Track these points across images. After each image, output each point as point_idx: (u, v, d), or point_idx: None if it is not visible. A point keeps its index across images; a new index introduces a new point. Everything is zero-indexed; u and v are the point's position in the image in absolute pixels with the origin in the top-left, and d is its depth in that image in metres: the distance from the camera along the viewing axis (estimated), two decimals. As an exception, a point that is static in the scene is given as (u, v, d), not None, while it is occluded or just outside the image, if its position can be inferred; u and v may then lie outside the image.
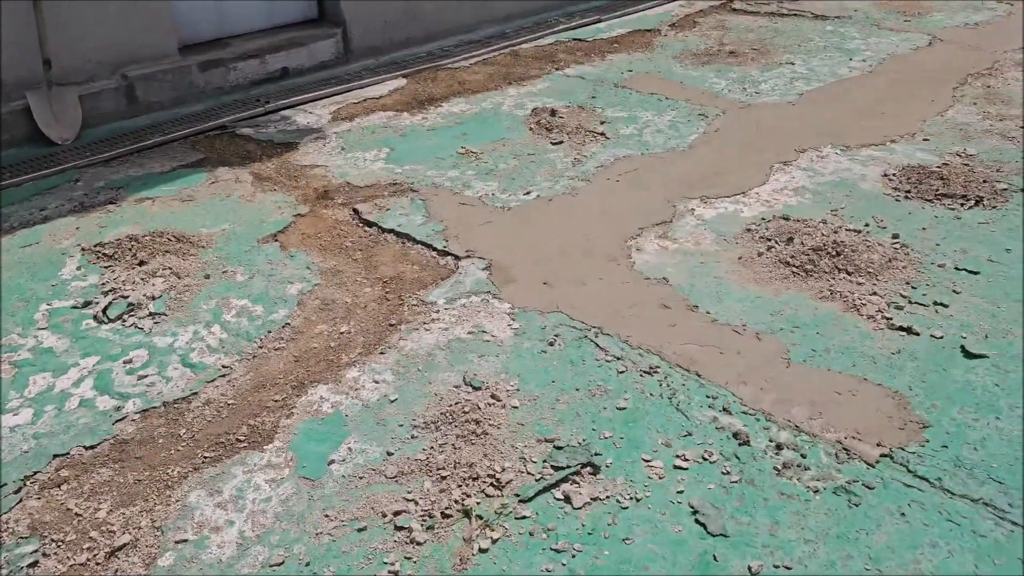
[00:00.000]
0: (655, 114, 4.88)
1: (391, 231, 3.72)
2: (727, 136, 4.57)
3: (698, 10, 6.96)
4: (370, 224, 3.79)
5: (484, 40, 6.32)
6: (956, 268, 3.33)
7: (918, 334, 2.95)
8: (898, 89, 5.15)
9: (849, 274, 3.28)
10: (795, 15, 6.75)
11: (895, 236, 3.55)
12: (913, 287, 3.21)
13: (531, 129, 4.73)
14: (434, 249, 3.57)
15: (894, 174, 4.08)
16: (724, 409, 2.62)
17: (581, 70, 5.65)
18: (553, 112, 4.85)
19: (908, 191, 3.91)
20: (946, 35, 6.13)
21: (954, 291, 3.19)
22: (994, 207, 3.76)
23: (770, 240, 3.53)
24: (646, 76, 5.50)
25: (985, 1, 6.94)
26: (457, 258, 3.50)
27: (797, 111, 4.89)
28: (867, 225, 3.65)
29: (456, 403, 2.66)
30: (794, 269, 3.33)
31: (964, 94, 5.03)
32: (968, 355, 2.84)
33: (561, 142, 4.55)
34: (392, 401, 2.70)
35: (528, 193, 4.02)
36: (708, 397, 2.68)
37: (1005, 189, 3.90)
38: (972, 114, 4.74)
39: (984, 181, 3.97)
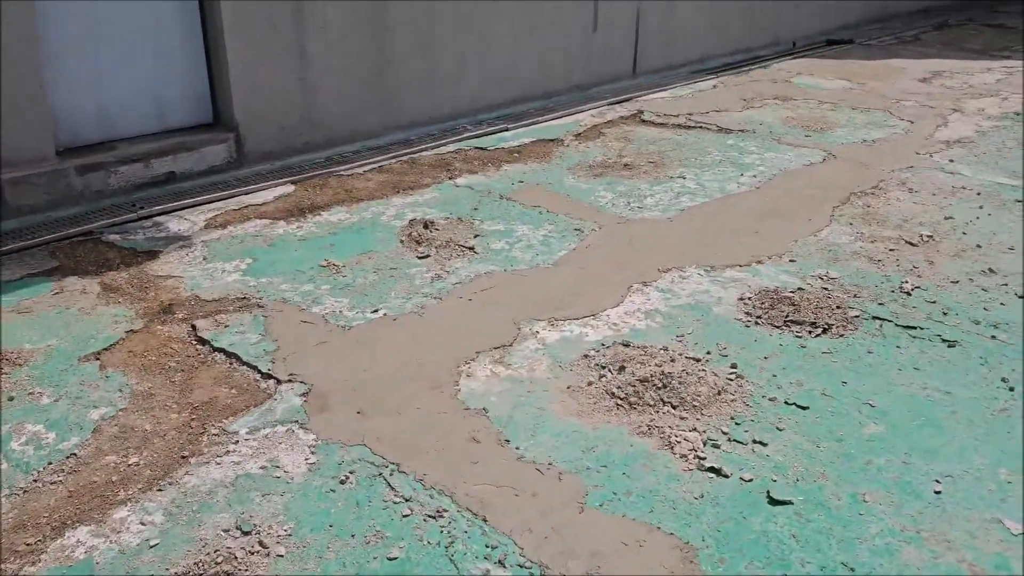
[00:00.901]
0: (531, 228, 4.84)
1: (221, 350, 3.60)
2: (596, 253, 4.53)
3: (607, 120, 7.03)
4: (203, 342, 3.67)
5: (387, 147, 6.33)
6: (786, 402, 3.23)
7: (727, 476, 2.83)
8: (780, 207, 5.16)
9: (674, 407, 3.17)
10: (701, 127, 6.83)
11: (733, 366, 3.46)
12: (737, 423, 3.11)
13: (402, 241, 4.67)
14: (259, 371, 3.44)
15: (750, 298, 4.02)
16: (499, 562, 2.47)
17: (473, 180, 5.64)
18: (427, 224, 4.80)
19: (759, 317, 3.85)
20: (842, 152, 6.20)
21: (778, 428, 3.08)
22: (841, 335, 3.70)
23: (604, 368, 3.43)
24: (535, 188, 5.49)
25: (888, 118, 7.06)
26: (279, 382, 3.37)
27: (674, 228, 4.87)
28: (709, 353, 3.56)
29: (217, 551, 2.50)
30: (619, 401, 3.22)
31: (843, 213, 5.04)
32: (773, 501, 2.71)
33: (428, 256, 4.48)
34: (152, 547, 2.53)
35: (376, 311, 3.93)
36: (488, 547, 2.53)
37: (857, 316, 3.84)
38: (845, 235, 4.73)
39: (837, 307, 3.92)
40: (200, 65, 5.71)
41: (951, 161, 5.98)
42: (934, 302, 3.99)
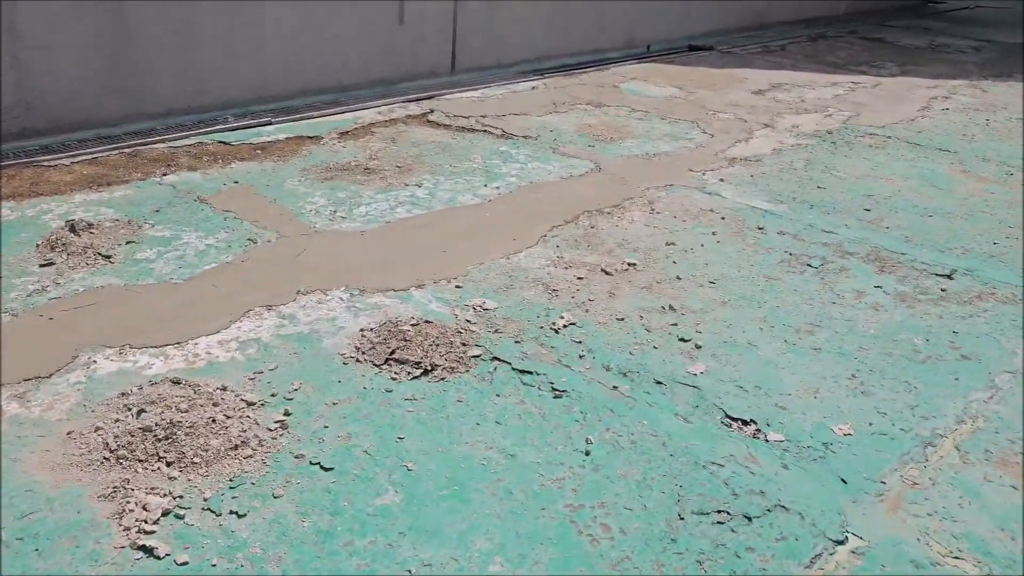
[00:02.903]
0: (201, 236, 4.34)
1: None
2: (247, 269, 4.03)
3: (390, 119, 6.54)
4: None
5: (122, 136, 5.79)
6: (311, 462, 2.76)
7: (160, 558, 2.34)
8: (497, 223, 4.70)
9: (168, 464, 2.69)
10: (485, 131, 6.36)
11: (286, 412, 2.99)
12: (233, 486, 2.63)
13: (38, 245, 4.15)
14: None
15: (372, 329, 3.54)
16: None
17: (185, 178, 5.12)
18: (74, 227, 4.27)
19: (364, 353, 3.37)
20: (613, 165, 5.76)
21: (275, 495, 2.61)
22: (443, 379, 3.23)
23: (129, 410, 2.93)
24: (245, 190, 4.98)
25: (692, 130, 6.64)
26: None
27: (362, 242, 4.39)
28: (274, 395, 3.09)
29: None
30: (109, 453, 2.72)
31: (558, 234, 4.59)
32: (188, 594, 2.23)
33: (51, 263, 3.96)
34: None
35: (-70, 328, 3.40)
36: None
37: (476, 356, 3.38)
38: (541, 259, 4.28)
39: (462, 344, 3.46)
40: None
41: (721, 180, 5.56)
42: (579, 342, 3.54)
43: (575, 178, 5.49)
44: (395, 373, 3.26)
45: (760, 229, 4.81)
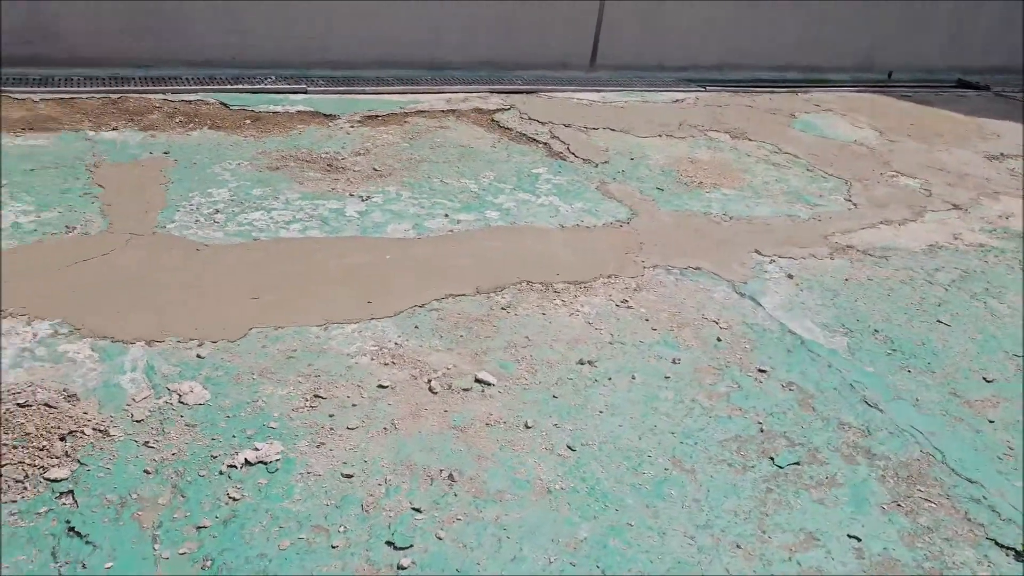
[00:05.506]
0: (25, 212, 3.58)
1: None
2: (5, 265, 3.16)
3: (447, 109, 5.39)
4: None
5: (137, 79, 5.24)
6: None
7: None
8: (382, 273, 3.43)
9: None
10: (546, 145, 5.02)
11: None
12: None
13: None
14: None
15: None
16: None
17: (122, 137, 4.41)
18: (-99, 172, 3.66)
19: (-72, 428, 2.34)
20: (654, 221, 4.16)
21: None
22: (-41, 506, 2.11)
23: None
24: (158, 164, 4.15)
25: (833, 192, 4.76)
26: None
27: (181, 260, 3.35)
28: None
29: None
30: None
31: (439, 309, 3.23)
32: None
33: None
34: None
35: None
36: None
37: (54, 480, 2.22)
38: (369, 343, 2.96)
39: (64, 454, 2.31)
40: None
41: (789, 277, 3.77)
42: (235, 500, 2.25)
43: (580, 229, 3.98)
44: (-76, 477, 2.18)
45: (761, 372, 3.04)
